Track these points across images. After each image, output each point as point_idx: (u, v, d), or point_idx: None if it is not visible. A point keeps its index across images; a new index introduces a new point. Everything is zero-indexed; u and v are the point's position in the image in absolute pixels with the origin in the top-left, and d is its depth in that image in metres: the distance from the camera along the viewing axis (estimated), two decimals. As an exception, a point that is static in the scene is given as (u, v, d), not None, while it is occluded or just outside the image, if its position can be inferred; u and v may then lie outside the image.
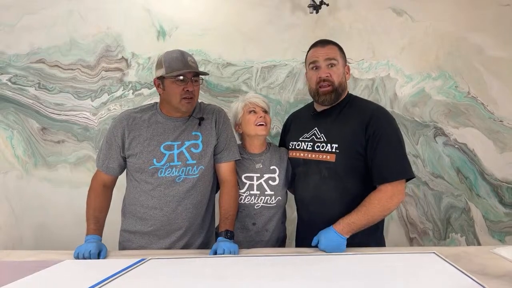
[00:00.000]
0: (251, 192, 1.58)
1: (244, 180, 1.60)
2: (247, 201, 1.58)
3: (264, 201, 1.58)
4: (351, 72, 2.04)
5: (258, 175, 1.60)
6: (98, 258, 1.32)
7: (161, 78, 1.44)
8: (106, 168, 1.50)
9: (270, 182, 1.59)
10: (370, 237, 1.44)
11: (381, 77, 2.09)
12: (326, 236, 1.35)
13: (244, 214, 1.59)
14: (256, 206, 1.58)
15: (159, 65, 1.45)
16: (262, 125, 1.57)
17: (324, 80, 1.44)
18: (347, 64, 1.54)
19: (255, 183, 1.59)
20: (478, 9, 2.05)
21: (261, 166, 1.61)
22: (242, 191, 1.58)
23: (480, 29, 2.05)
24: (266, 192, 1.58)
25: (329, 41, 1.51)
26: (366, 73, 2.09)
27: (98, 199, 1.50)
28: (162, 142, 1.46)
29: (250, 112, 1.58)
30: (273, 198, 1.58)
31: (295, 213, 1.66)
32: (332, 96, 1.46)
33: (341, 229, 1.34)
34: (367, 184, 1.43)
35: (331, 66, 1.45)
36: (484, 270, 1.11)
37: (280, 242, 1.67)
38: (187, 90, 1.41)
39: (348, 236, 1.34)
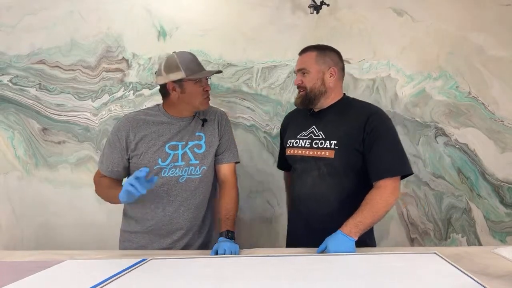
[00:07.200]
0: None
1: None
2: None
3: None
4: (351, 72, 2.05)
5: None
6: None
7: (178, 81, 1.43)
8: (110, 172, 1.50)
9: None
10: (365, 235, 1.44)
11: (382, 77, 2.09)
12: (334, 241, 1.32)
13: None
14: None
15: (174, 69, 1.42)
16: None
17: (298, 87, 1.56)
18: (332, 67, 1.51)
19: None
20: (479, 9, 2.04)
21: None
22: None
23: (481, 29, 2.04)
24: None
25: (309, 48, 1.56)
26: (367, 73, 2.09)
27: (107, 180, 1.50)
28: (167, 142, 1.47)
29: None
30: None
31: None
32: (303, 100, 1.54)
33: (349, 231, 1.32)
34: (362, 182, 1.46)
35: (303, 74, 1.54)
36: (485, 271, 1.11)
37: None
38: (205, 90, 1.49)
39: (356, 238, 1.33)
